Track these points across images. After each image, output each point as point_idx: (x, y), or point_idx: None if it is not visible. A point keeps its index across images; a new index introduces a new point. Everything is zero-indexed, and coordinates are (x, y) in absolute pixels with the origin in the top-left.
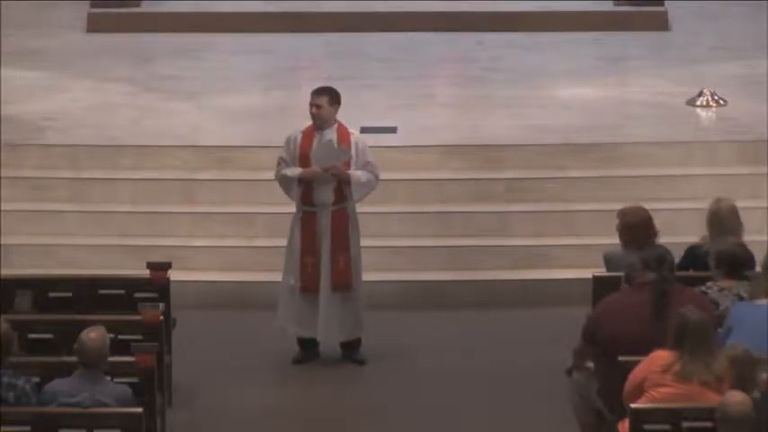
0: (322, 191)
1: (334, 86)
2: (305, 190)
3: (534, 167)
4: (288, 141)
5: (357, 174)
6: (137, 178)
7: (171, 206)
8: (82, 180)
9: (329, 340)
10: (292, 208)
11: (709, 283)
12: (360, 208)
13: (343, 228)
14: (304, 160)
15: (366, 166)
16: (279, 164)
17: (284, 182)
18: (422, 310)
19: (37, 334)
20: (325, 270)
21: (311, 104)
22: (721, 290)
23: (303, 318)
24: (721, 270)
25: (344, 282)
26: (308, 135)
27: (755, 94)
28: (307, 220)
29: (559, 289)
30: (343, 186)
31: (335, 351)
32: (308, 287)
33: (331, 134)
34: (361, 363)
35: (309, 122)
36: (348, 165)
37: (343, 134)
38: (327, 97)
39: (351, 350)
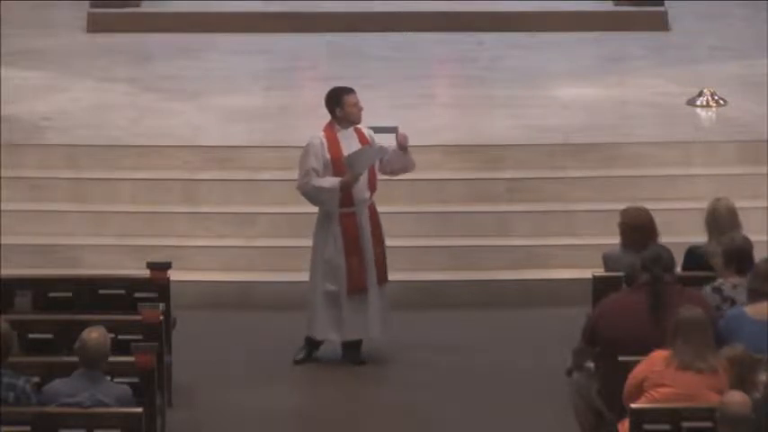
0: (361, 188)
1: (334, 86)
2: (344, 192)
3: (534, 167)
4: (313, 148)
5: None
6: (137, 178)
7: (171, 206)
8: (82, 180)
9: (378, 336)
10: (292, 208)
11: (720, 280)
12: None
13: (377, 220)
14: (338, 165)
15: (383, 151)
16: (308, 174)
17: (320, 193)
18: (422, 310)
19: (37, 334)
20: (370, 266)
21: (353, 104)
22: (734, 287)
23: (349, 321)
24: (731, 267)
25: (385, 274)
26: (331, 138)
27: (755, 94)
28: (347, 220)
29: (559, 289)
30: (374, 179)
31: (335, 351)
32: (357, 287)
33: (352, 133)
34: (361, 363)
35: (322, 124)
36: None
37: (360, 131)
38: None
39: (352, 350)
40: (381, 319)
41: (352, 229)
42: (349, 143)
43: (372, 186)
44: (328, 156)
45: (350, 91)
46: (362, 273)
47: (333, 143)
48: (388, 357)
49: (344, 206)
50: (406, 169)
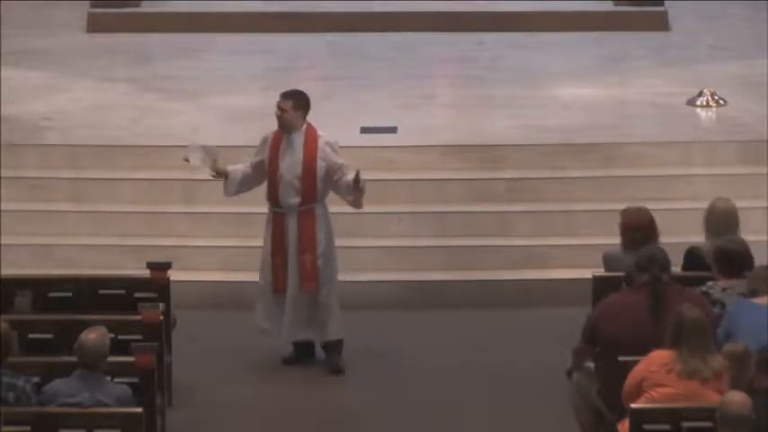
0: (287, 193)
1: (333, 87)
2: (271, 190)
3: (534, 167)
4: (262, 142)
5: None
6: (137, 178)
7: (171, 206)
8: (82, 180)
9: (293, 341)
10: None
11: (710, 283)
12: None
13: (310, 229)
14: (273, 164)
15: (339, 170)
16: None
17: None
18: (422, 310)
19: (37, 334)
20: (291, 271)
21: (277, 107)
22: (724, 289)
23: (275, 316)
24: (720, 269)
25: (310, 284)
26: (277, 137)
27: (755, 94)
28: (276, 220)
29: (559, 289)
30: (308, 187)
31: (335, 340)
32: (278, 287)
33: (298, 138)
34: (339, 371)
35: None
36: (315, 172)
37: (311, 138)
38: (292, 102)
39: (331, 354)
40: (305, 325)
41: (278, 229)
42: (287, 146)
43: (305, 194)
44: (265, 153)
45: (280, 95)
46: (283, 275)
47: (274, 142)
48: (388, 357)
49: (275, 206)
50: (353, 205)
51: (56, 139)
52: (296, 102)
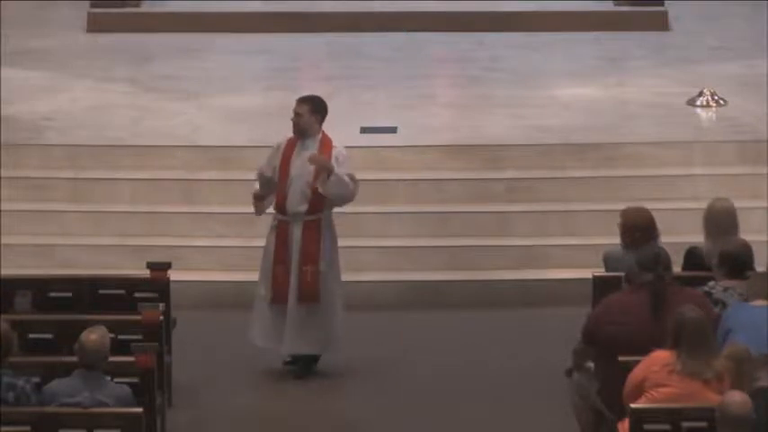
0: (295, 199)
1: (333, 87)
2: (279, 197)
3: (534, 167)
4: (272, 149)
5: (341, 172)
6: (137, 178)
7: (170, 206)
8: (82, 180)
9: (293, 353)
10: None
11: (711, 283)
12: (360, 208)
13: (314, 239)
14: (284, 169)
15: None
16: (257, 178)
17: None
18: (422, 310)
19: (37, 334)
20: (293, 281)
21: (293, 112)
22: (725, 289)
23: (271, 329)
24: (722, 269)
25: (311, 294)
26: (290, 143)
27: (755, 94)
28: (280, 228)
29: (559, 289)
30: (318, 195)
31: (334, 354)
32: (278, 298)
33: (313, 145)
34: (298, 377)
35: None
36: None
37: (326, 146)
38: (309, 106)
39: (304, 362)
40: (304, 336)
41: (283, 238)
42: (300, 152)
43: (314, 202)
44: (277, 161)
45: (297, 100)
46: (284, 285)
47: (288, 149)
48: (388, 358)
49: (280, 213)
50: (341, 198)
51: (56, 139)
52: (312, 106)
